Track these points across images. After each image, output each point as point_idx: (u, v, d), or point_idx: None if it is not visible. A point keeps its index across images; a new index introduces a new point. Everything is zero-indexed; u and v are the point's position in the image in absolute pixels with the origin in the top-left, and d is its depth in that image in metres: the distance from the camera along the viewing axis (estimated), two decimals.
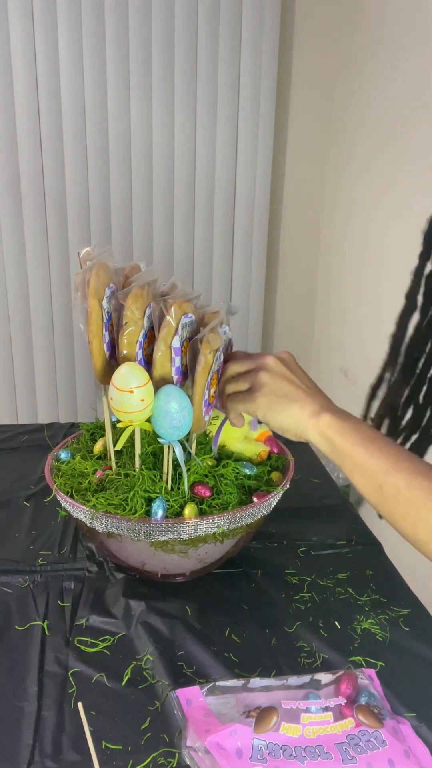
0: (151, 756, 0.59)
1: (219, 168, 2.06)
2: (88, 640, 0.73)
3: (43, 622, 0.76)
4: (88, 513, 0.74)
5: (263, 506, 0.77)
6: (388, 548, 0.93)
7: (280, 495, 0.81)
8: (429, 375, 0.84)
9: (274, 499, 0.79)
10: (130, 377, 0.68)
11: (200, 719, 0.62)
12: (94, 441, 0.90)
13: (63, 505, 0.78)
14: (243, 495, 0.80)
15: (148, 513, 0.73)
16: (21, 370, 2.15)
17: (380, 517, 0.67)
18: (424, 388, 0.84)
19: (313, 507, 1.04)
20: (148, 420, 0.72)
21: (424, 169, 1.48)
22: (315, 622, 0.78)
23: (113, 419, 0.80)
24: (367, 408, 0.91)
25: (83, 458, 0.85)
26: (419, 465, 0.63)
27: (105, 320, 0.72)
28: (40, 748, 0.60)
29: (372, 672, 0.69)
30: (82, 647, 0.72)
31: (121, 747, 0.60)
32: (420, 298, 0.83)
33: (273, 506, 0.81)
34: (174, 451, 0.74)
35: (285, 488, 0.81)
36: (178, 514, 0.74)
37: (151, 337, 0.74)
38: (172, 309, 0.69)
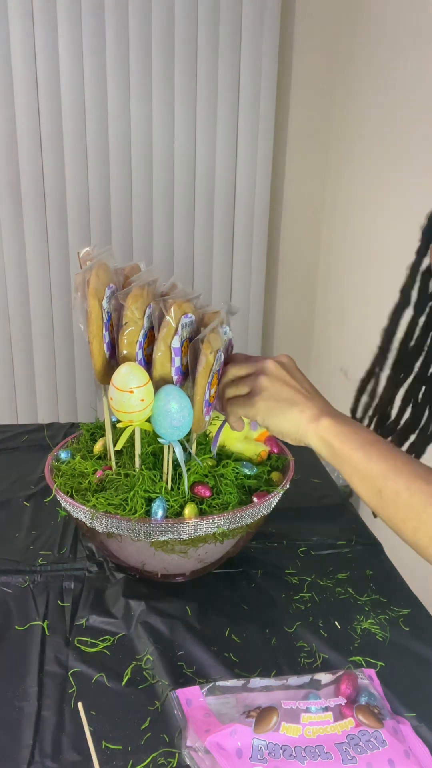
0: (151, 756, 0.59)
1: (219, 168, 2.06)
2: (88, 640, 0.73)
3: (43, 622, 0.76)
4: (88, 513, 0.74)
5: (263, 506, 0.77)
6: (388, 548, 0.93)
7: (280, 495, 0.81)
8: (429, 374, 0.84)
9: (274, 499, 0.79)
10: (130, 377, 0.68)
11: (200, 719, 0.62)
12: (94, 441, 0.90)
13: (63, 505, 0.78)
14: (243, 495, 0.80)
15: (148, 513, 0.73)
16: (21, 370, 2.15)
17: (375, 516, 0.67)
18: (424, 388, 0.83)
19: (313, 507, 1.04)
20: (148, 420, 0.72)
21: (424, 169, 1.48)
22: (315, 622, 0.78)
23: (113, 419, 0.80)
24: (356, 402, 0.91)
25: (83, 458, 0.85)
26: (419, 469, 0.63)
27: (105, 320, 0.72)
28: (40, 748, 0.60)
29: (372, 672, 0.69)
30: (82, 647, 0.72)
31: (121, 747, 0.60)
32: (414, 294, 0.83)
33: (273, 506, 0.81)
34: (174, 451, 0.75)
35: (285, 488, 0.81)
36: (178, 514, 0.74)
37: (151, 337, 0.74)
38: (172, 309, 0.69)
